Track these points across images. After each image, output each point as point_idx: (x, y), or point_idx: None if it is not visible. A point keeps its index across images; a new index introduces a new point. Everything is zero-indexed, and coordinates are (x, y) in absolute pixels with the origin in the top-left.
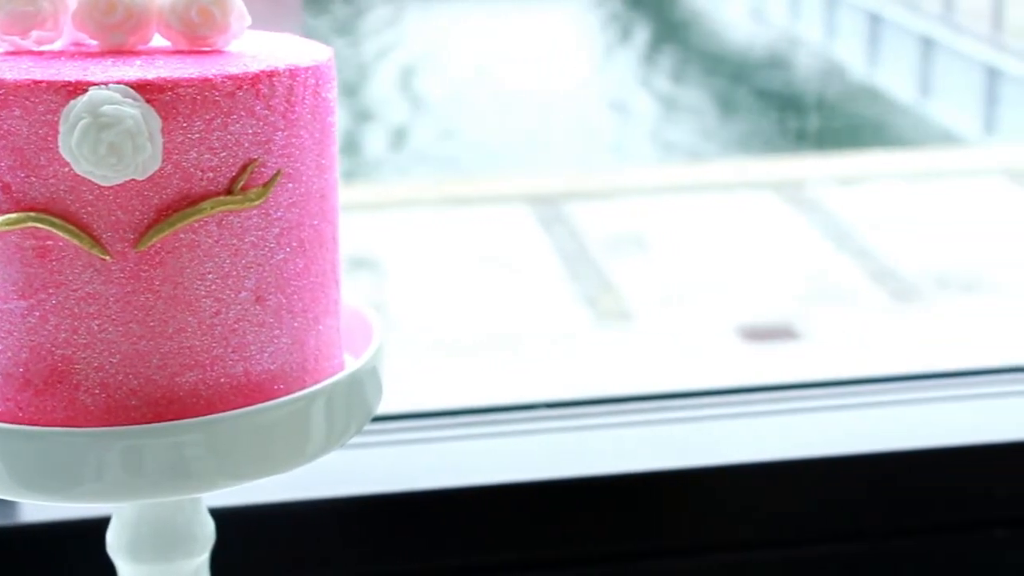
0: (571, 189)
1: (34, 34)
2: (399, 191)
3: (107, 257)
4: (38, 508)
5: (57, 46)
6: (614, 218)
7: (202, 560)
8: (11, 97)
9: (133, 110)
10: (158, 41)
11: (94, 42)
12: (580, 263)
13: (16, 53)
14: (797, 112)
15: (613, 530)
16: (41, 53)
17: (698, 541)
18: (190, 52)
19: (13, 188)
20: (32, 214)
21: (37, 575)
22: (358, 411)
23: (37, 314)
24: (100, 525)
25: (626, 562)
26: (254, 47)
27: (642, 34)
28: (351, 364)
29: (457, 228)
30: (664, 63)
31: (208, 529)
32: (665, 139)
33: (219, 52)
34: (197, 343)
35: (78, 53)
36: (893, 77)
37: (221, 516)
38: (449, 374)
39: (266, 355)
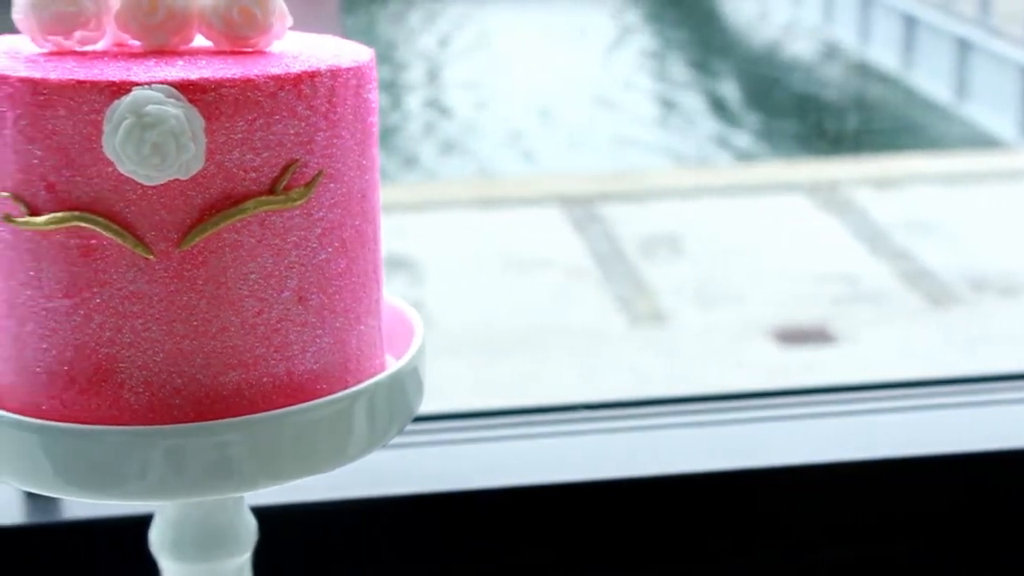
0: (605, 190)
1: (77, 34)
2: (433, 192)
3: (151, 256)
4: (80, 505)
5: (100, 46)
6: (648, 220)
7: (244, 559)
8: (55, 97)
9: (176, 110)
10: (200, 42)
11: (137, 42)
12: (614, 264)
13: (60, 53)
14: (831, 114)
15: (653, 532)
16: (84, 53)
17: (737, 543)
18: (232, 52)
19: (58, 187)
20: (76, 213)
21: (79, 572)
22: (399, 411)
23: (82, 313)
24: (142, 523)
25: (667, 562)
26: (295, 48)
27: (672, 34)
28: (392, 364)
29: (491, 229)
30: (699, 64)
31: (250, 528)
32: (709, 141)
33: (261, 53)
34: (240, 343)
35: (121, 53)
36: (929, 79)
37: (263, 515)
38: (486, 374)
39: (308, 355)
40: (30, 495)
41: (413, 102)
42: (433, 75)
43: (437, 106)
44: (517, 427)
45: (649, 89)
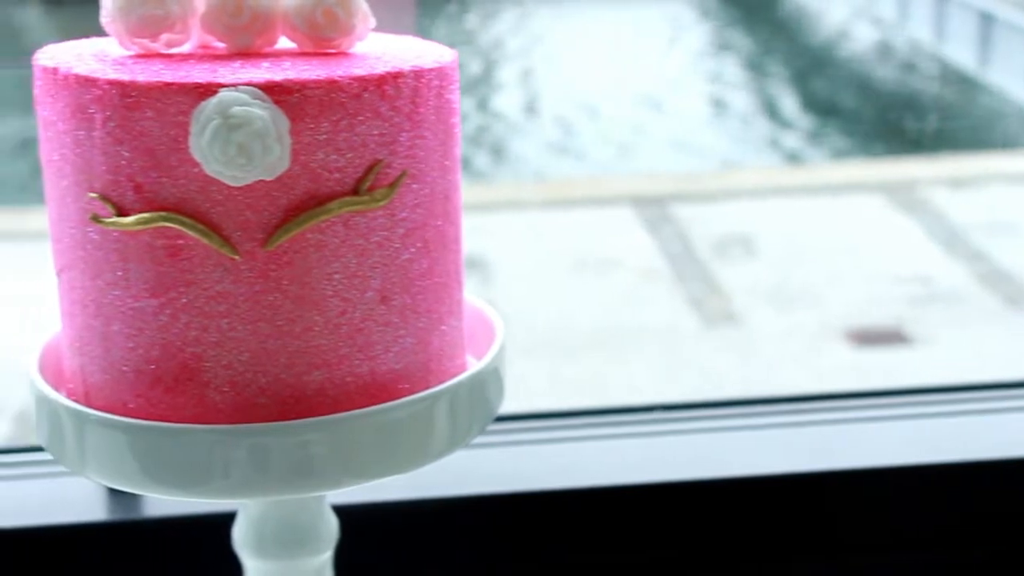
0: (676, 191)
1: (164, 37)
2: (504, 192)
3: (236, 256)
4: (162, 502)
5: (186, 49)
6: (721, 220)
7: (326, 558)
8: (143, 99)
9: (262, 111)
10: (284, 43)
11: (222, 44)
12: (686, 265)
13: (147, 56)
14: (906, 113)
15: (729, 533)
16: (171, 56)
17: (815, 545)
18: (315, 54)
19: (145, 188)
20: (163, 213)
21: (161, 569)
22: (480, 411)
23: (168, 312)
24: (224, 520)
25: (745, 564)
26: (378, 49)
27: (739, 35)
28: (474, 365)
29: (563, 229)
30: (768, 64)
31: (332, 527)
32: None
33: (344, 54)
34: (324, 342)
35: (207, 55)
36: (1006, 78)
37: (345, 514)
38: (560, 375)
39: (391, 355)
40: (113, 492)
41: (467, 104)
42: (488, 75)
43: (489, 109)
44: (594, 428)
45: (717, 89)
